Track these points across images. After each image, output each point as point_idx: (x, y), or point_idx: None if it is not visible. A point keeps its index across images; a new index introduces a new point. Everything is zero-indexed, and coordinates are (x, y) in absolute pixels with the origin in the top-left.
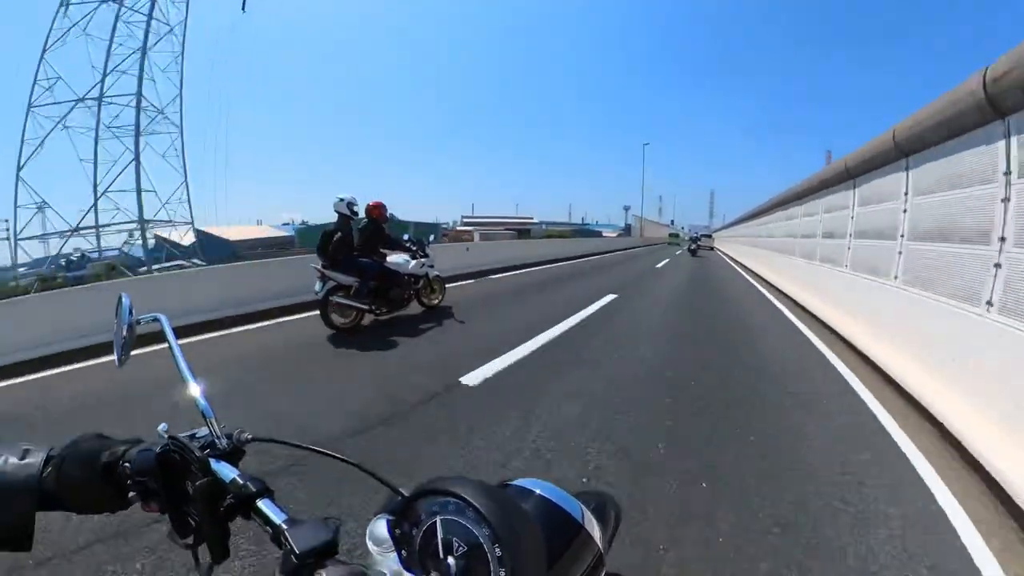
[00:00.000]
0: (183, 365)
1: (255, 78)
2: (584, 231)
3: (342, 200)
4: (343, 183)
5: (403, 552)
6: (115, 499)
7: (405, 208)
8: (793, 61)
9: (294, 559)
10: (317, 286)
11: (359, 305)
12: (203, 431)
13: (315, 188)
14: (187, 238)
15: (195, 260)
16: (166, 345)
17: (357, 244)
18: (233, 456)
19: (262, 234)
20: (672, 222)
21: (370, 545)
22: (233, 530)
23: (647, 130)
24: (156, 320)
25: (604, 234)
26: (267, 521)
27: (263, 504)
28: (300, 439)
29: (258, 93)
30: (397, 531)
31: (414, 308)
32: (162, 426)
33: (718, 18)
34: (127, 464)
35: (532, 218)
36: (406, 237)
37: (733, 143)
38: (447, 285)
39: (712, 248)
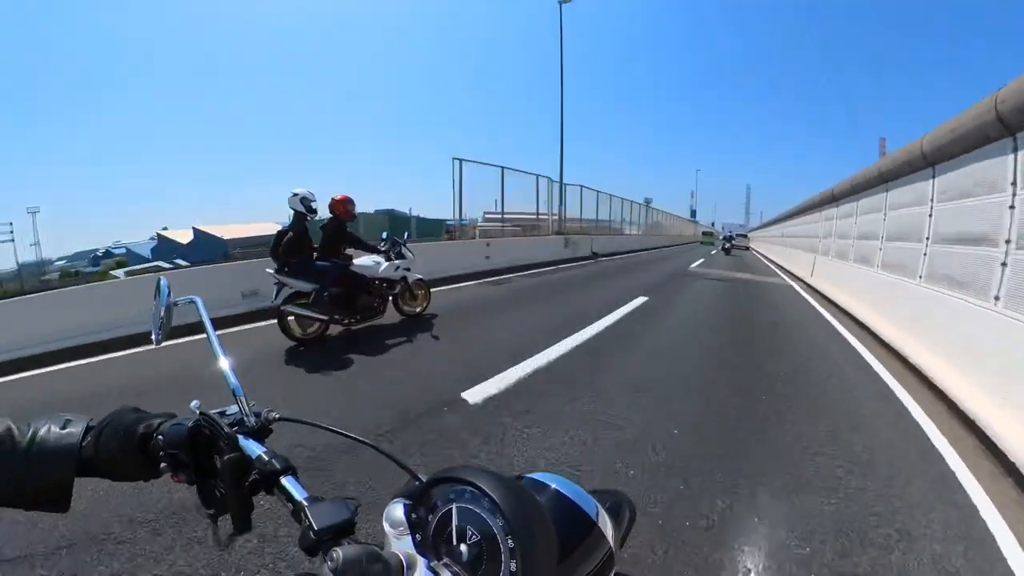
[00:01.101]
0: (216, 345)
1: (251, 70)
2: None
3: (295, 195)
4: (365, 177)
5: (417, 536)
6: (147, 469)
7: (426, 204)
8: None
9: (312, 535)
10: (274, 294)
11: (315, 315)
12: (233, 409)
13: (350, 183)
14: (186, 236)
15: (178, 260)
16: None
17: (319, 245)
18: (260, 434)
19: (259, 232)
20: (693, 212)
21: (386, 527)
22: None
23: (680, 123)
24: (192, 302)
25: (627, 231)
26: (289, 498)
27: (286, 481)
28: None
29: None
30: (413, 515)
31: (392, 317)
32: (194, 402)
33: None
34: (160, 437)
35: (556, 214)
36: (384, 236)
37: (773, 134)
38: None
39: (747, 248)
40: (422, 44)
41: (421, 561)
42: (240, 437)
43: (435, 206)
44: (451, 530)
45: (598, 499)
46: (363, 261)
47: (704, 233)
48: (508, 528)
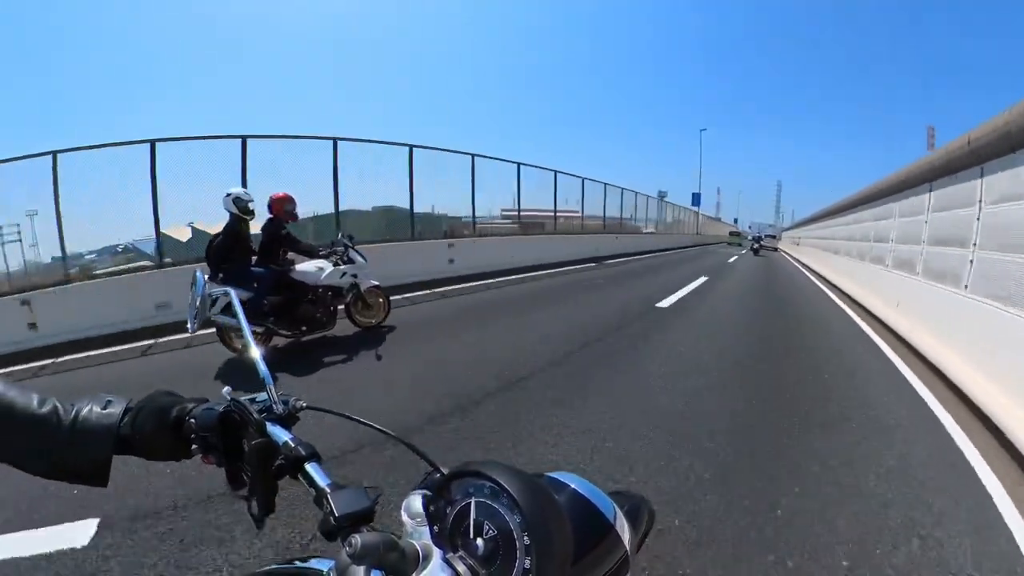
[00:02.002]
0: (248, 334)
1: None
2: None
3: (228, 195)
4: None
5: (435, 528)
6: (180, 450)
7: (445, 201)
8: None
9: (332, 521)
10: (209, 303)
11: (235, 323)
12: (262, 396)
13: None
14: (185, 234)
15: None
16: None
17: (257, 249)
18: (288, 421)
19: (255, 230)
20: (714, 202)
21: (404, 517)
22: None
23: (707, 114)
24: (226, 293)
25: (644, 230)
26: (312, 483)
27: (311, 467)
28: None
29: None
30: (432, 507)
31: (346, 328)
32: (226, 389)
33: None
34: (193, 420)
35: (577, 212)
36: (340, 236)
37: (806, 131)
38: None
39: (775, 249)
40: (421, 38)
41: (437, 552)
42: (268, 423)
43: (453, 204)
44: (468, 524)
45: (617, 501)
46: (306, 267)
47: (731, 233)
48: (525, 525)
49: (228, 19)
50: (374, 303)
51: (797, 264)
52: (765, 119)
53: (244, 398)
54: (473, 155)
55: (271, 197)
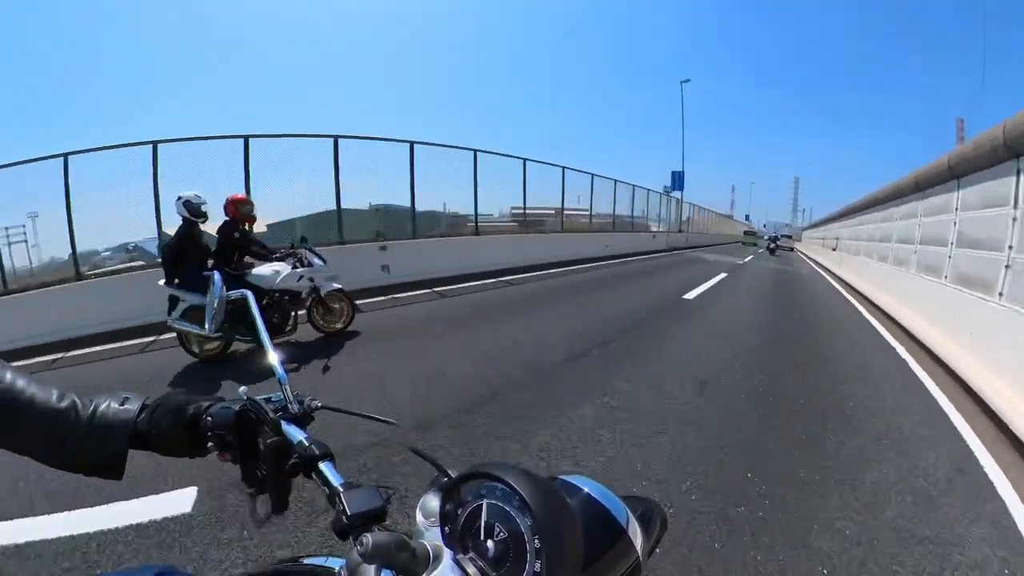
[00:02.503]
0: (265, 337)
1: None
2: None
3: (179, 199)
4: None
5: (446, 529)
6: (195, 447)
7: (457, 199)
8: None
9: (345, 519)
10: (168, 308)
11: (194, 330)
12: (278, 395)
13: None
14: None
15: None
16: None
17: (214, 253)
18: (302, 420)
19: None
20: (727, 199)
21: (418, 517)
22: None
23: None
24: (243, 296)
25: (652, 228)
26: (326, 482)
27: (324, 467)
28: None
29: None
30: (444, 508)
31: (309, 334)
32: (242, 388)
33: None
34: (209, 418)
35: (587, 210)
36: (302, 238)
37: (824, 127)
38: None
39: (792, 249)
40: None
41: (447, 553)
42: (283, 422)
43: (465, 201)
44: (479, 525)
45: (629, 506)
46: (261, 270)
47: (746, 233)
48: (536, 528)
49: (230, 18)
50: (337, 308)
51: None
52: (783, 113)
53: (260, 397)
54: (476, 150)
55: (227, 199)
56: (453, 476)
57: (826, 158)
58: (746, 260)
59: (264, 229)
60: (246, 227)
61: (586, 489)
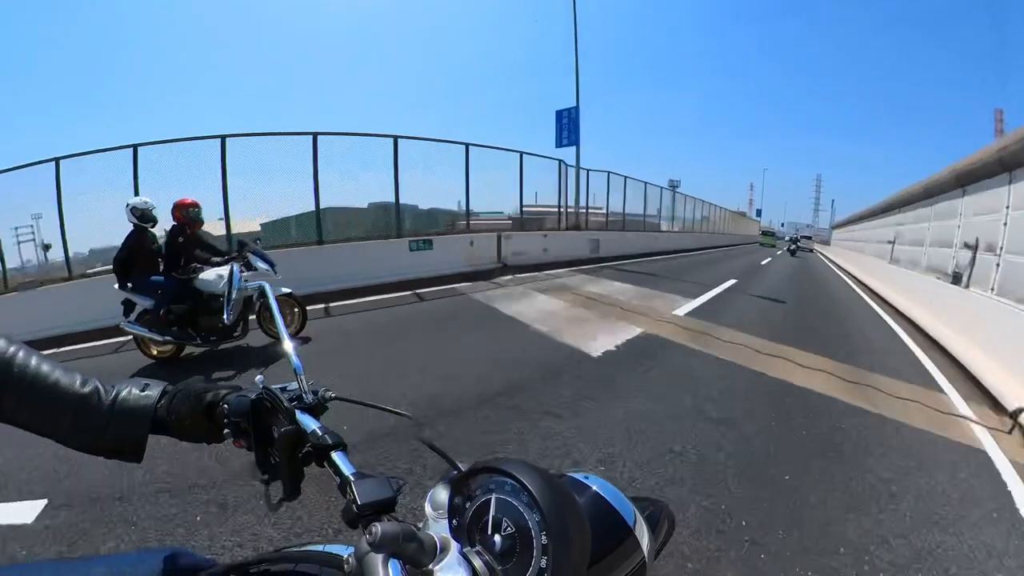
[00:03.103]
0: (282, 328)
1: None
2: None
3: (127, 206)
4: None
5: (454, 521)
6: (212, 433)
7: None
8: None
9: (355, 508)
10: (122, 311)
11: (143, 333)
12: (293, 385)
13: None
14: None
15: None
16: None
17: (164, 258)
18: (316, 410)
19: (247, 227)
20: (745, 198)
21: (427, 508)
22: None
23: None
24: (260, 287)
25: (663, 228)
26: (337, 471)
27: (336, 456)
28: None
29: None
30: (453, 501)
31: (260, 339)
32: (259, 377)
33: None
34: (226, 406)
35: (601, 208)
36: (256, 239)
37: (848, 124)
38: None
39: (811, 250)
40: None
41: (454, 545)
42: (298, 412)
43: (484, 199)
44: (487, 519)
45: (638, 507)
46: (208, 275)
47: (764, 232)
48: (543, 524)
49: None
50: (285, 312)
51: None
52: (804, 110)
53: (276, 387)
54: (468, 144)
55: (173, 203)
56: (463, 469)
57: (849, 157)
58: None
59: (258, 228)
60: (192, 231)
61: (594, 487)
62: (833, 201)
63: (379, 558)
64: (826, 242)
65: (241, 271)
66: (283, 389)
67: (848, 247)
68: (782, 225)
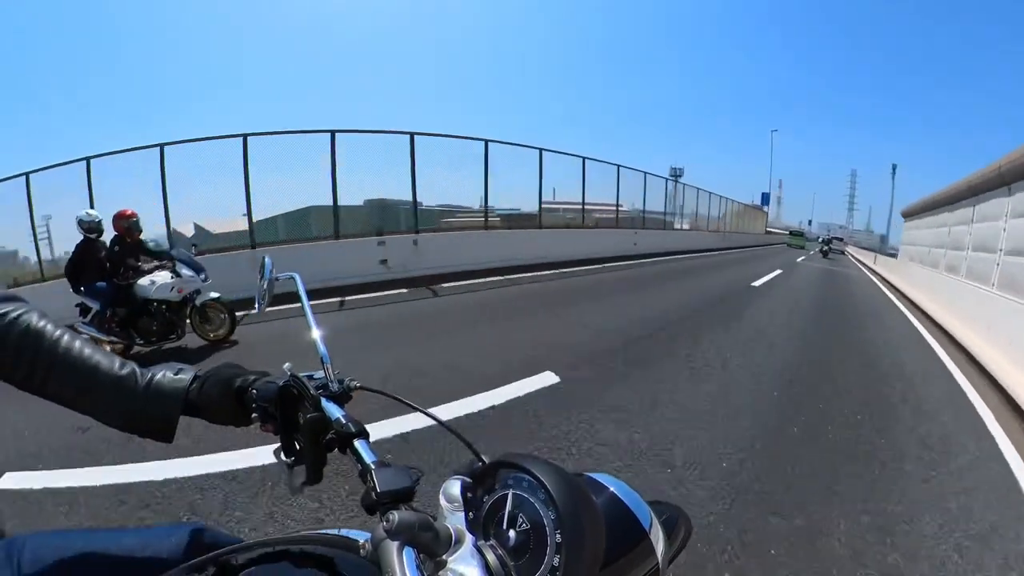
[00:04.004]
0: (311, 317)
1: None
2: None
3: (77, 218)
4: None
5: (470, 514)
6: (241, 417)
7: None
8: None
9: (374, 496)
10: (78, 313)
11: (93, 333)
12: (320, 374)
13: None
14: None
15: None
16: None
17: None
18: (341, 399)
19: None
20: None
21: (442, 500)
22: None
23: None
24: (291, 278)
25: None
26: (359, 459)
27: (359, 444)
28: None
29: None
30: (469, 494)
31: (195, 341)
32: (287, 364)
33: None
34: (255, 391)
35: (623, 205)
36: (192, 244)
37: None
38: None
39: (843, 252)
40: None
41: (469, 538)
42: (323, 399)
43: (507, 196)
44: (503, 514)
45: (655, 510)
46: (143, 280)
47: (793, 233)
48: (559, 522)
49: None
50: (214, 317)
51: None
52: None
53: (303, 374)
54: (487, 140)
55: (113, 215)
56: (485, 461)
57: (885, 154)
58: None
59: (246, 227)
60: (131, 240)
61: (612, 488)
62: (870, 209)
63: (394, 545)
64: (872, 249)
65: (173, 277)
66: (310, 377)
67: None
68: (808, 223)
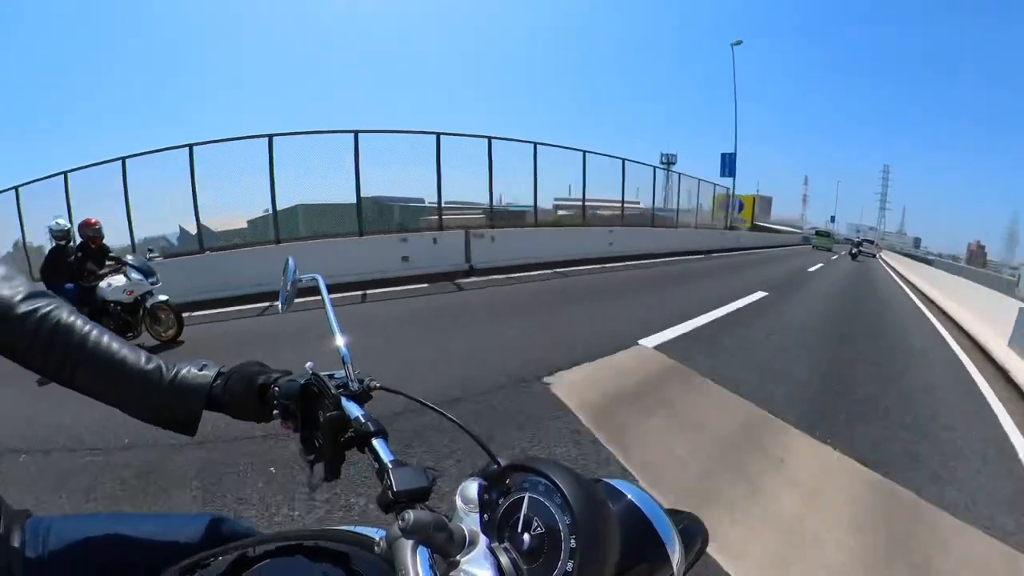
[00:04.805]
0: (332, 318)
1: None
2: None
3: (48, 228)
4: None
5: (485, 516)
6: (263, 413)
7: (512, 188)
8: None
9: (390, 495)
10: None
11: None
12: (340, 373)
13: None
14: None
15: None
16: None
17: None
18: (361, 398)
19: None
20: (799, 193)
21: (458, 500)
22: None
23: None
24: (314, 279)
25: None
26: (377, 457)
27: (377, 443)
28: None
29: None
30: (486, 496)
31: (149, 340)
32: (309, 364)
33: None
34: (277, 388)
35: (639, 202)
36: (148, 249)
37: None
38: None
39: (874, 256)
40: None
41: (483, 539)
42: (343, 398)
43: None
44: (518, 517)
45: (672, 519)
46: (102, 284)
47: (818, 233)
48: (574, 528)
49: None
50: (164, 318)
51: None
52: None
53: (324, 373)
54: (490, 138)
55: (78, 224)
56: (501, 464)
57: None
58: None
59: (244, 225)
60: (95, 245)
61: (629, 496)
62: (904, 207)
63: (409, 544)
64: (923, 259)
65: (125, 280)
66: (331, 376)
67: None
68: (832, 220)
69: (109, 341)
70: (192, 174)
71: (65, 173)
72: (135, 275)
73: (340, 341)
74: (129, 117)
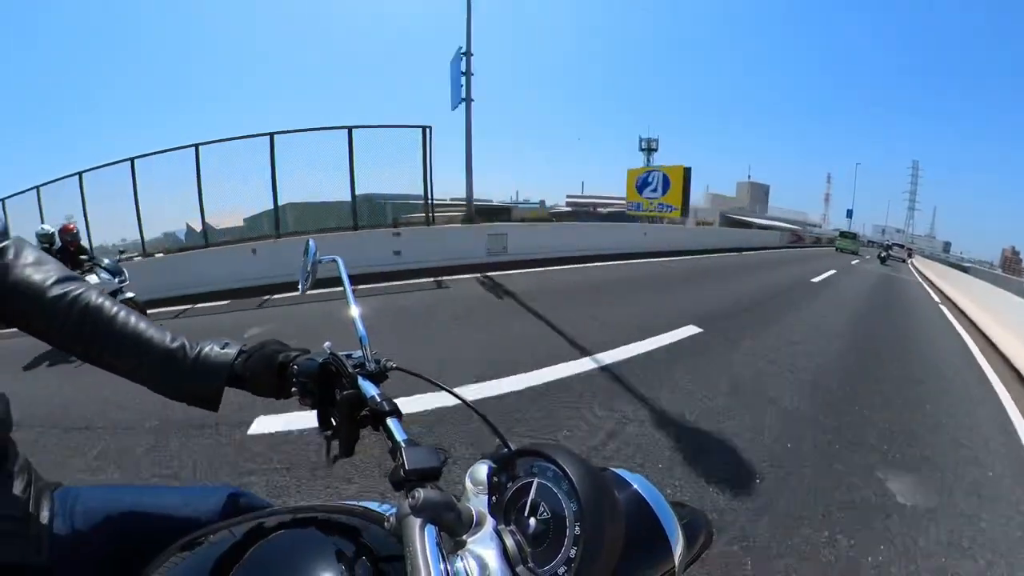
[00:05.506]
0: (351, 298)
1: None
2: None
3: (36, 233)
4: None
5: (493, 498)
6: (282, 390)
7: (525, 185)
8: None
9: (402, 473)
10: None
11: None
12: (358, 353)
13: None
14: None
15: None
16: None
17: None
18: (377, 378)
19: (235, 224)
20: (821, 192)
21: (467, 482)
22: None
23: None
24: (334, 260)
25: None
26: (390, 436)
27: (391, 422)
28: None
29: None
30: (495, 478)
31: None
32: (327, 343)
33: None
34: (296, 367)
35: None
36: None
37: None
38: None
39: (904, 260)
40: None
41: (490, 521)
42: (360, 378)
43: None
44: (526, 501)
45: (677, 513)
46: None
47: (842, 234)
48: (579, 515)
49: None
50: None
51: None
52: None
53: (342, 353)
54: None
55: (58, 229)
56: (512, 448)
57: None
58: None
59: (241, 223)
60: (72, 247)
61: (635, 486)
62: (935, 208)
63: (418, 521)
64: (963, 266)
65: (96, 280)
66: (348, 356)
67: None
68: (848, 215)
69: (136, 321)
70: (198, 173)
71: (80, 173)
72: (104, 275)
73: (358, 321)
74: (139, 118)
